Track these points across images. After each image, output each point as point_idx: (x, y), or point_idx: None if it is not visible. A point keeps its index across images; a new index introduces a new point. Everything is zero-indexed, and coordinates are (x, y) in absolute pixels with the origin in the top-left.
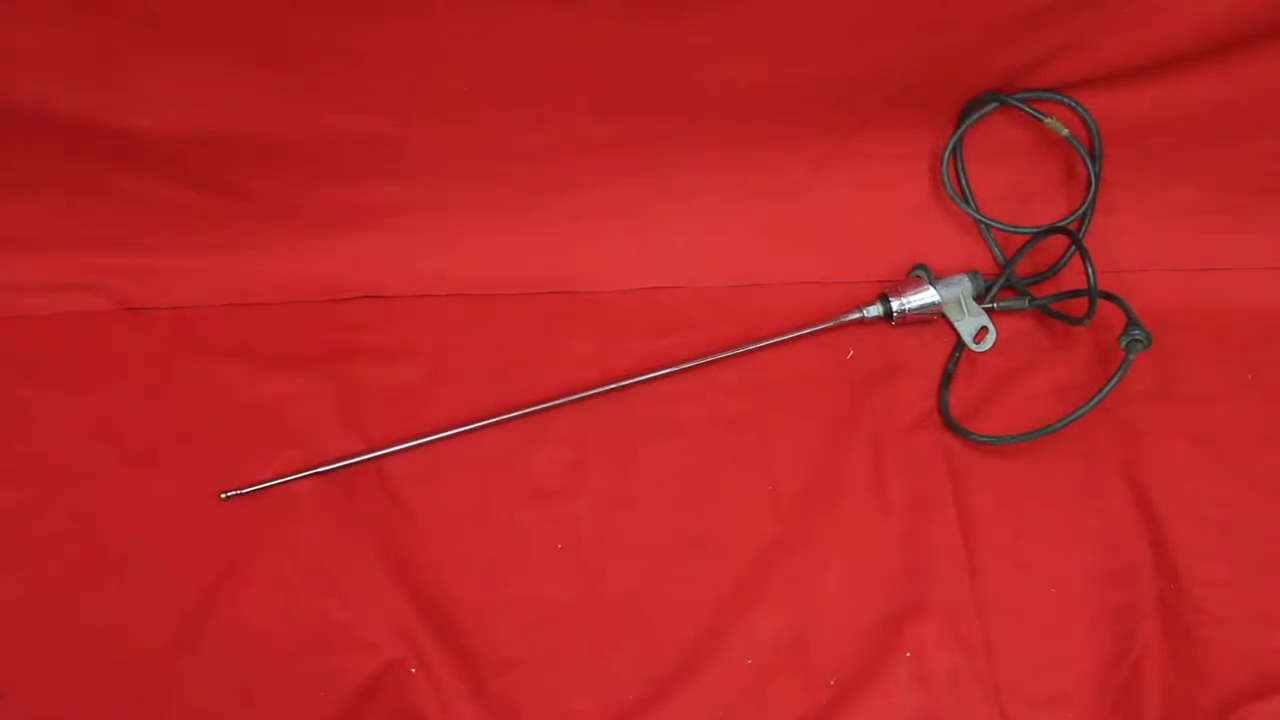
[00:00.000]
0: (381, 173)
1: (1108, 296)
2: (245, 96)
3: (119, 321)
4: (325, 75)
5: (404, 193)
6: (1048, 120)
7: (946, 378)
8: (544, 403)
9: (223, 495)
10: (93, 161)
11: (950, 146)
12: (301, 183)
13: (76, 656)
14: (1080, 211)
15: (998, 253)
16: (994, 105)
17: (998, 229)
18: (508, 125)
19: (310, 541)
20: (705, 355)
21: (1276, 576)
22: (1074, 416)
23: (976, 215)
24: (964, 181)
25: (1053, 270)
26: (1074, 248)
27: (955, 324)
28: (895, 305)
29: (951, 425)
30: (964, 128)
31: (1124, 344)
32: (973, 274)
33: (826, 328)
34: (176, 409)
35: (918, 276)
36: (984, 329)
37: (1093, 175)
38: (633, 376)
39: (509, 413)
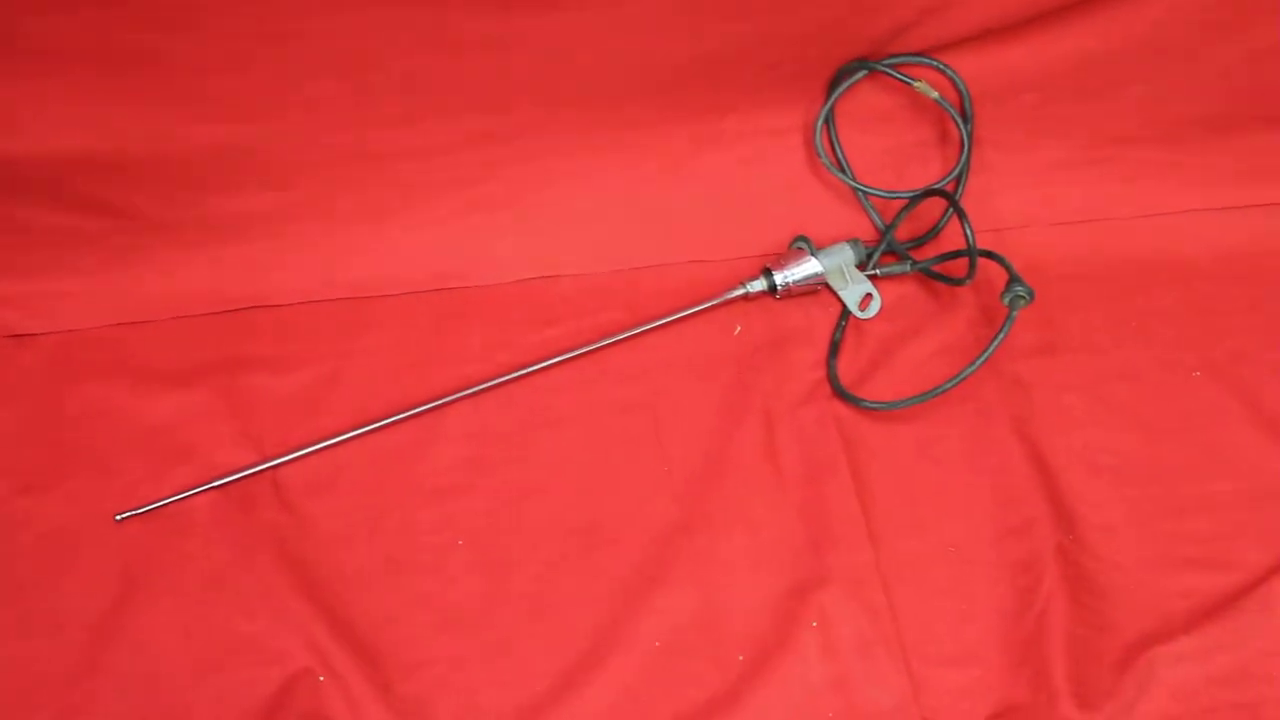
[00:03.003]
0: (258, 181)
1: (988, 255)
2: (113, 114)
3: (2, 349)
4: (192, 87)
5: (282, 200)
6: (917, 84)
7: (834, 347)
8: (435, 401)
9: (118, 517)
10: None
11: (822, 117)
12: (178, 197)
13: None
14: (955, 173)
15: (877, 219)
16: (863, 73)
17: (875, 195)
18: (381, 124)
19: (210, 557)
20: (593, 342)
21: (1173, 520)
22: (962, 376)
23: (853, 183)
24: (839, 151)
25: (933, 233)
26: (952, 209)
27: (839, 293)
28: (778, 279)
29: (842, 394)
30: (834, 97)
31: (1007, 301)
32: (853, 242)
33: (712, 306)
34: (66, 433)
35: (799, 248)
36: (868, 296)
37: (965, 136)
38: (522, 368)
39: (401, 413)
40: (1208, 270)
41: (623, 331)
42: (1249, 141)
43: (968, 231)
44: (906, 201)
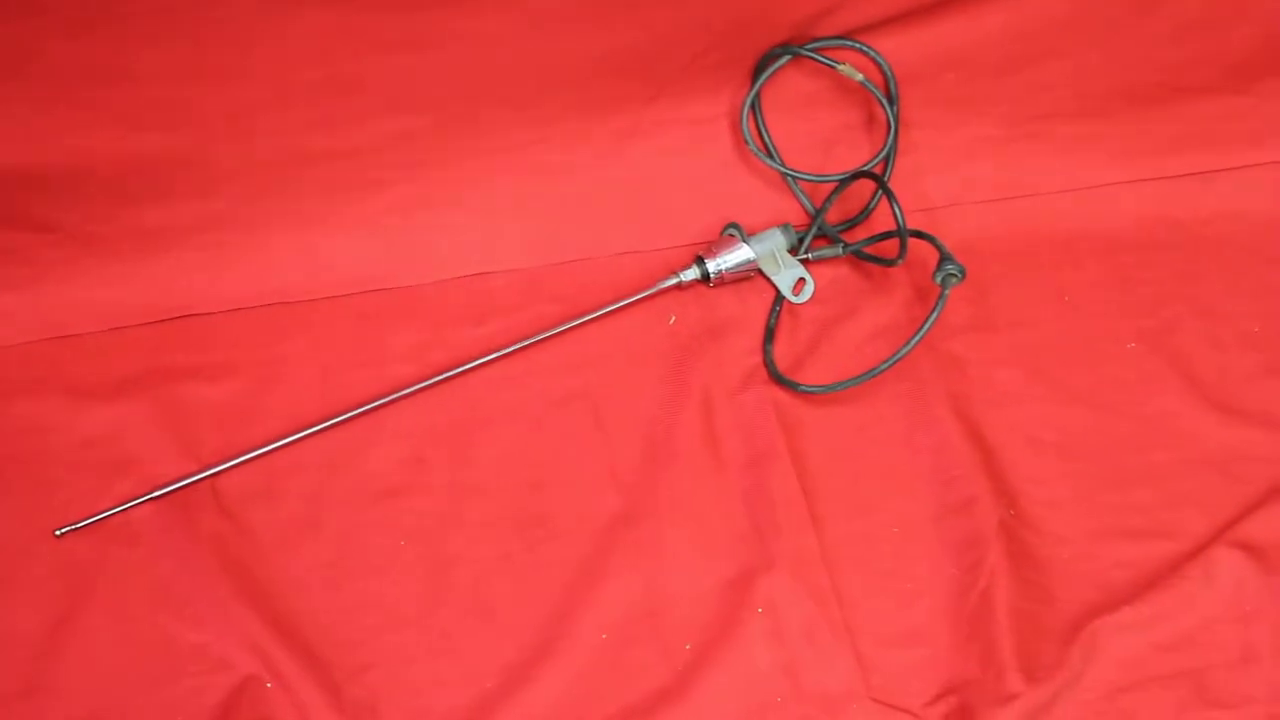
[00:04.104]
0: (184, 190)
1: (919, 235)
2: (36, 128)
3: None
4: (115, 98)
5: (209, 208)
6: (841, 67)
7: (769, 332)
8: (372, 402)
9: (58, 532)
10: None
11: (748, 103)
12: (104, 209)
13: None
14: (883, 154)
15: (807, 203)
16: (787, 58)
17: (804, 180)
18: (303, 129)
19: (153, 568)
20: (528, 337)
21: (1113, 492)
22: (897, 357)
23: (782, 168)
24: (766, 136)
25: (863, 215)
26: (881, 190)
27: (773, 278)
28: (711, 266)
29: (779, 379)
30: (759, 83)
31: (939, 280)
32: (784, 227)
33: (646, 296)
34: (1, 450)
35: (730, 235)
36: (801, 280)
37: (891, 117)
38: (458, 366)
39: (338, 416)
40: (1137, 241)
41: (557, 325)
42: (1172, 112)
43: (897, 212)
44: (836, 185)
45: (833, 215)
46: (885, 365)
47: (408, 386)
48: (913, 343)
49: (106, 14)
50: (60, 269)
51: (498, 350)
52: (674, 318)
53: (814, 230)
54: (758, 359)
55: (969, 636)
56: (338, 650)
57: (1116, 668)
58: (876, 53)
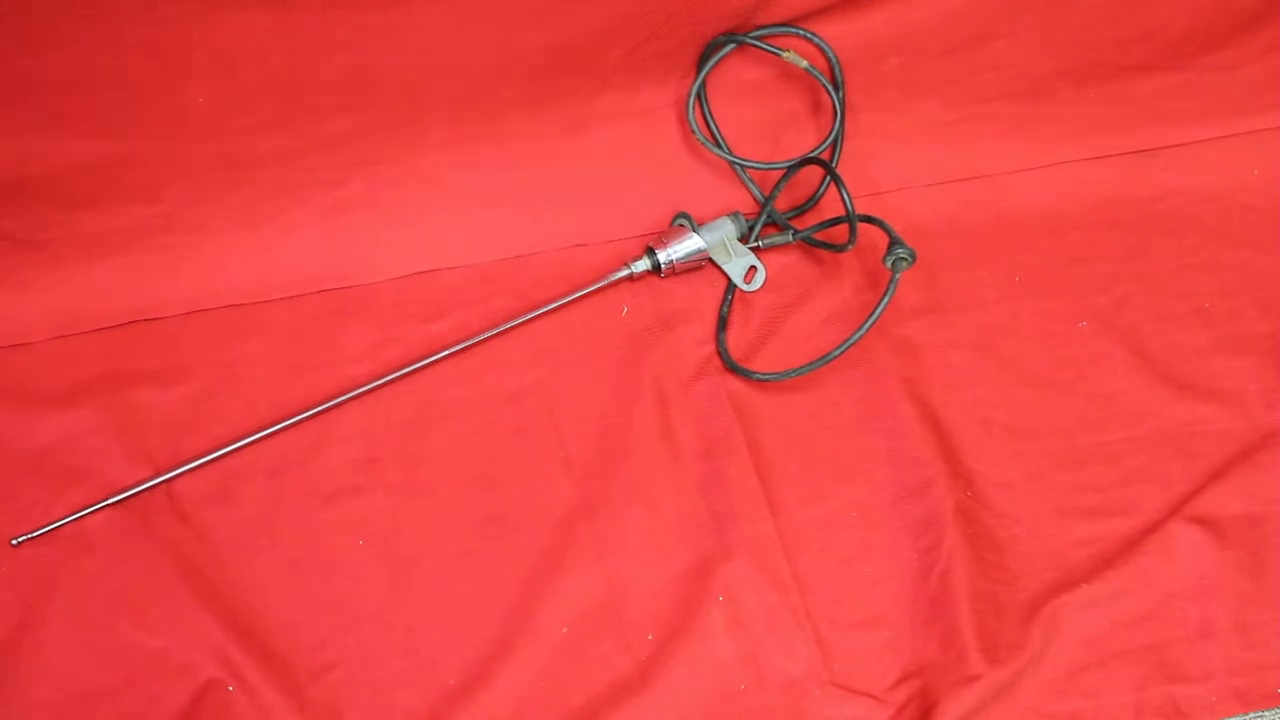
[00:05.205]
0: (132, 195)
1: (868, 219)
2: None
3: None
4: (57, 104)
5: (158, 212)
6: (786, 54)
7: (722, 321)
8: (326, 403)
9: (14, 541)
10: None
11: (694, 93)
12: (51, 215)
13: None
14: (830, 140)
15: (756, 191)
16: (731, 46)
17: (752, 168)
18: (250, 131)
19: (110, 575)
20: (481, 333)
21: (1069, 471)
22: (850, 342)
23: (729, 157)
24: (713, 126)
25: (812, 201)
26: (829, 177)
27: (724, 267)
28: (662, 257)
29: (733, 367)
30: (704, 72)
31: (890, 264)
32: (734, 215)
33: (598, 289)
34: None
35: (681, 226)
36: (753, 268)
37: (837, 103)
38: (412, 364)
39: (292, 418)
40: (1083, 220)
41: (509, 320)
42: (1116, 91)
43: (846, 197)
44: (784, 172)
45: (782, 202)
46: (838, 351)
47: (362, 385)
48: (865, 327)
49: (42, 22)
50: (9, 277)
51: (450, 347)
52: (626, 309)
53: (763, 218)
54: (711, 348)
55: (929, 619)
56: (298, 652)
57: (1077, 646)
58: (821, 39)
